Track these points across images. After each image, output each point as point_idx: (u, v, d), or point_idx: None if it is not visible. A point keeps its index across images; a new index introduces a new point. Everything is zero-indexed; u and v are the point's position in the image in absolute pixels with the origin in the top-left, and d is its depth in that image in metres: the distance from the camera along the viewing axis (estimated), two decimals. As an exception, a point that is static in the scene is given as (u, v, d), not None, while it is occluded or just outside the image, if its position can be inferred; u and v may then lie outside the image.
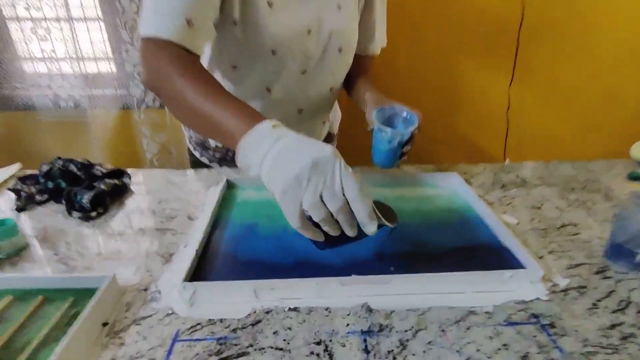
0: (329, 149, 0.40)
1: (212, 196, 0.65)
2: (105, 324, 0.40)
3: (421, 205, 0.64)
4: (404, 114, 0.65)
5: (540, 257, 0.51)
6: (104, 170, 0.67)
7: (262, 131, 0.42)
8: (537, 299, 0.44)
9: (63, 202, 0.60)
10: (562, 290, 0.45)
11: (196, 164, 0.82)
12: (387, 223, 0.43)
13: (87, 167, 0.66)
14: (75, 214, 0.59)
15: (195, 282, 0.43)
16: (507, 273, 0.45)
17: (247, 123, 0.43)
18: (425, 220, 0.59)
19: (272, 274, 0.46)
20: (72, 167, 0.65)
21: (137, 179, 0.73)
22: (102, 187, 0.62)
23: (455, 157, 1.54)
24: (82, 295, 0.42)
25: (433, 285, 0.45)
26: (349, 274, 0.45)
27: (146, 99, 1.38)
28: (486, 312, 0.42)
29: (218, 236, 0.55)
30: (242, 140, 0.42)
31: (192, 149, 0.83)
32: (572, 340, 0.39)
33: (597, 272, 0.48)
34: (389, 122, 0.65)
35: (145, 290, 0.45)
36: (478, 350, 0.38)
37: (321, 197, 0.39)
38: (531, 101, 1.44)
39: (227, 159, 0.79)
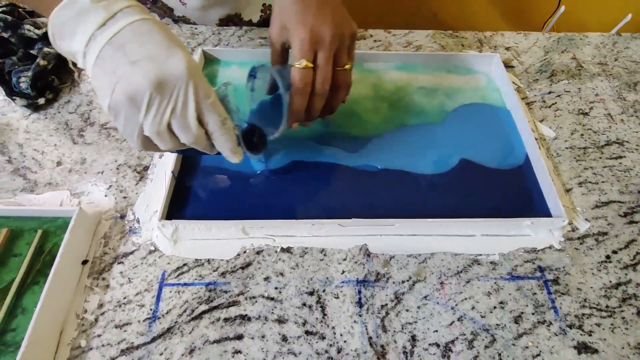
0: (181, 64, 0.28)
1: (187, 78, 0.51)
2: (85, 262, 0.38)
3: (446, 102, 0.52)
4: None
5: (568, 190, 0.45)
6: (39, 32, 0.50)
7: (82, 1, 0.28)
8: (550, 247, 0.41)
9: (-2, 81, 0.48)
10: (579, 237, 0.42)
11: None
12: (252, 155, 0.38)
13: (14, 25, 0.50)
14: (19, 101, 0.48)
15: (174, 220, 0.38)
16: (525, 221, 0.40)
17: None
18: (448, 127, 0.49)
19: (263, 197, 0.42)
20: (-6, 26, 0.49)
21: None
22: (41, 62, 0.48)
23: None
24: (51, 225, 0.38)
25: (438, 228, 0.41)
26: (350, 196, 0.42)
27: None
28: (491, 262, 0.40)
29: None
30: (55, 10, 0.29)
31: None
32: (570, 300, 0.38)
33: (625, 215, 0.43)
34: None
35: (122, 218, 0.41)
36: (473, 308, 0.37)
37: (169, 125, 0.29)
38: None
39: None
